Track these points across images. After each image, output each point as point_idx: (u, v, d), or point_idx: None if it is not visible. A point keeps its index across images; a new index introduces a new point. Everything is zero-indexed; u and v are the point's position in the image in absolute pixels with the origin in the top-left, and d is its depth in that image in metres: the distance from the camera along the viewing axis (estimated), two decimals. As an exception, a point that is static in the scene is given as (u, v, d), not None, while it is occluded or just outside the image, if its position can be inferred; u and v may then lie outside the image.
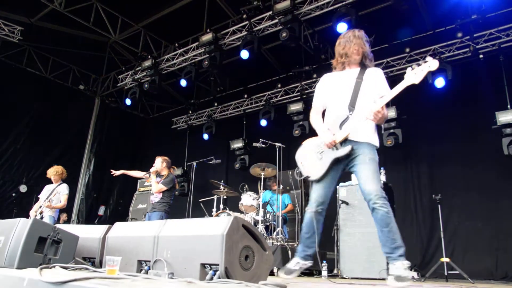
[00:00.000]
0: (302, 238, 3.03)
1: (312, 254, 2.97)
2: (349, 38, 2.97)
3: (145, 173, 6.12)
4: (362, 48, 2.95)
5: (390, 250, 2.64)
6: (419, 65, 2.67)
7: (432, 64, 2.62)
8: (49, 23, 9.16)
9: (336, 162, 2.88)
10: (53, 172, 6.27)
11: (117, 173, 6.21)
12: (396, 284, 2.47)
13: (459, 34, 7.08)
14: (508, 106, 6.50)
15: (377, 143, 2.92)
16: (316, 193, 2.96)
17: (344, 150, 2.82)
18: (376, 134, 2.95)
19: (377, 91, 2.89)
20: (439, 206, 5.71)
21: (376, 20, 7.61)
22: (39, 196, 6.31)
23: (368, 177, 2.75)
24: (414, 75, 2.66)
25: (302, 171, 3.04)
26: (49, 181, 6.35)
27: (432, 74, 7.15)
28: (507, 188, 6.58)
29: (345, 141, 2.84)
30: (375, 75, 2.96)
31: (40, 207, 5.91)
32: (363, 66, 3.00)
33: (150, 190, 6.18)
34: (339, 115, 2.88)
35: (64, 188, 6.17)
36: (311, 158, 2.99)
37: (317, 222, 2.92)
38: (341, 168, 2.97)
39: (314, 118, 3.10)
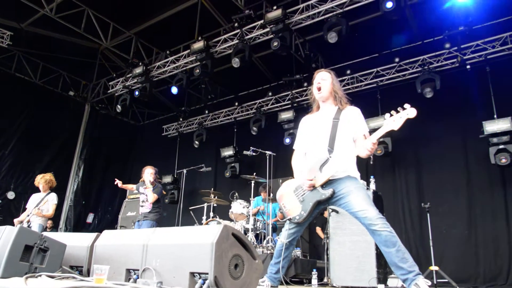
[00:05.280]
0: (271, 263, 3.09)
1: (279, 278, 3.04)
2: (321, 77, 3.05)
3: (135, 185, 6.26)
4: (332, 86, 3.03)
5: (405, 271, 2.52)
6: (397, 111, 2.66)
7: (410, 112, 2.63)
8: (40, 28, 9.10)
9: (318, 204, 2.90)
10: (42, 180, 6.03)
11: (119, 184, 6.32)
12: None
13: (447, 45, 7.20)
14: (495, 116, 6.61)
15: (357, 176, 2.93)
16: (292, 230, 3.01)
17: (326, 193, 2.84)
18: (356, 169, 2.96)
19: (355, 130, 2.94)
20: (428, 214, 5.75)
21: (366, 30, 7.73)
22: (26, 206, 6.06)
23: (360, 203, 2.72)
24: (392, 122, 2.66)
25: (284, 213, 3.05)
26: (37, 189, 6.11)
27: (421, 84, 7.27)
28: (494, 195, 6.68)
29: (326, 183, 2.87)
30: (353, 115, 2.99)
31: (28, 215, 5.76)
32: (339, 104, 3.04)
33: (139, 198, 6.14)
34: (320, 158, 2.90)
35: (53, 197, 6.02)
36: (293, 200, 3.01)
37: (287, 250, 3.01)
38: (321, 208, 3.03)
39: (295, 160, 3.17)
